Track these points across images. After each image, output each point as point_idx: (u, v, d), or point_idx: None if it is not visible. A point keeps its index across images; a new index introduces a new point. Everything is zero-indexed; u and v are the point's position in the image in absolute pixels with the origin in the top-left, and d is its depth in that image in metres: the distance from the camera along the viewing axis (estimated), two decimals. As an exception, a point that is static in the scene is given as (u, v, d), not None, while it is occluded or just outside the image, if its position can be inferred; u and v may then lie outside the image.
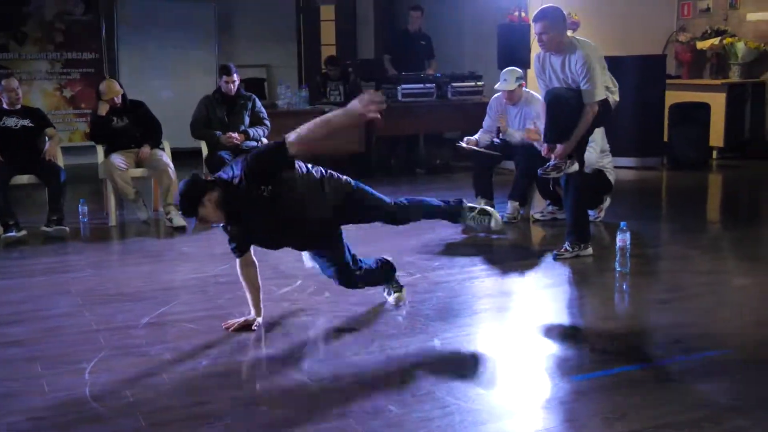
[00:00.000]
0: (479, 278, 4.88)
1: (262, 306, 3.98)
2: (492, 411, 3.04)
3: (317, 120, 3.79)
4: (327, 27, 12.34)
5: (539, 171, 5.18)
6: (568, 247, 5.19)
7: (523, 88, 6.47)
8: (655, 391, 3.19)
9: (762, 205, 7.73)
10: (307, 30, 11.75)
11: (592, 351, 3.65)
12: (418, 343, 3.73)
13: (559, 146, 4.98)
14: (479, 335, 3.95)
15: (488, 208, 4.45)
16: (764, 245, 5.94)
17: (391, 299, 4.31)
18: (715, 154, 9.36)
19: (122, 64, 9.55)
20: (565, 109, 4.92)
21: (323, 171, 4.06)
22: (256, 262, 3.94)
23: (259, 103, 7.09)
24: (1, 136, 6.18)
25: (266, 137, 7.03)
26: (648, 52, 9.39)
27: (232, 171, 3.71)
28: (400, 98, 8.84)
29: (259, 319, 3.95)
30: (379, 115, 3.69)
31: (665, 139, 9.11)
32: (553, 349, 3.74)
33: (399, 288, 4.33)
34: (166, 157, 6.52)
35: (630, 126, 8.62)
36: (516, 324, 4.13)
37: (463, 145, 6.59)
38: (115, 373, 3.43)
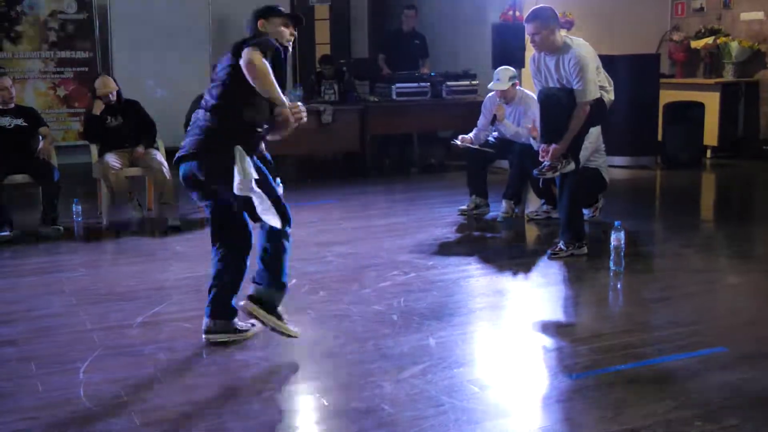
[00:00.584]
0: (474, 277, 4.89)
1: None
2: (487, 410, 3.04)
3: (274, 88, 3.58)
4: (321, 26, 12.34)
5: (535, 171, 5.19)
6: (562, 246, 5.20)
7: (517, 87, 6.47)
8: (649, 389, 3.20)
9: (755, 204, 7.75)
10: (301, 29, 11.72)
11: (587, 349, 3.66)
12: (412, 342, 3.73)
13: (552, 146, 4.99)
14: (474, 334, 3.95)
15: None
16: (758, 243, 5.96)
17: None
18: (709, 153, 9.38)
19: (116, 63, 9.53)
20: (558, 109, 4.93)
21: None
22: None
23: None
24: (-6, 136, 6.16)
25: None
26: (642, 51, 9.41)
27: None
28: (394, 97, 8.84)
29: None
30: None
31: (659, 138, 9.12)
32: (548, 347, 3.75)
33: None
34: (161, 157, 6.51)
35: (624, 125, 8.62)
36: (511, 323, 4.13)
37: (458, 143, 6.59)
38: (109, 372, 3.42)
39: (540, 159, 5.16)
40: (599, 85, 4.99)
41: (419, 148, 9.96)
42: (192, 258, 5.37)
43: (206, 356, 3.60)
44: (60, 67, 9.58)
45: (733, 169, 8.97)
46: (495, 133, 6.57)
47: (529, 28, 4.95)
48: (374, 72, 9.88)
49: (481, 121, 6.66)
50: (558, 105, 4.91)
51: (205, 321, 3.77)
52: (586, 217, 5.77)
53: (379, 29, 11.95)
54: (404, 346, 3.67)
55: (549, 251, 5.22)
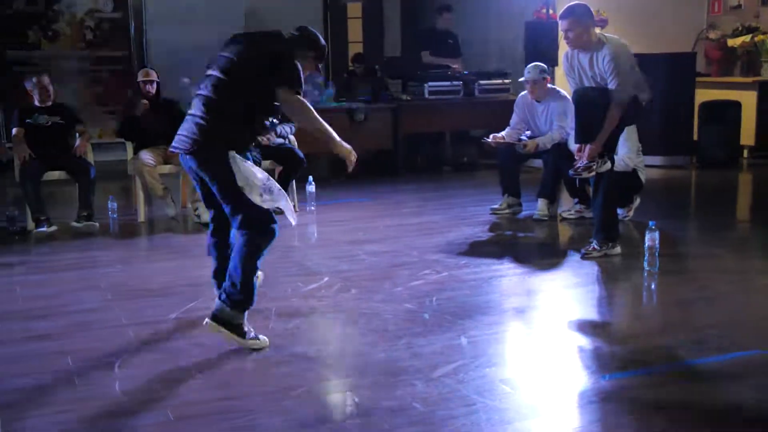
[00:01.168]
0: (506, 276, 4.87)
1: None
2: (519, 410, 3.03)
3: (319, 122, 3.85)
4: (354, 24, 12.35)
5: (570, 171, 5.15)
6: (596, 246, 5.16)
7: (548, 84, 6.44)
8: (682, 390, 3.17)
9: (793, 205, 7.63)
10: (334, 28, 11.77)
11: (621, 350, 3.63)
12: (444, 341, 3.73)
13: (587, 146, 4.95)
14: (506, 334, 3.94)
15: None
16: (795, 245, 5.87)
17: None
18: (745, 152, 9.25)
19: (151, 61, 9.62)
20: (593, 109, 4.89)
21: None
22: None
23: (286, 101, 7.10)
24: (32, 133, 6.26)
25: (293, 134, 7.05)
26: (677, 49, 9.29)
27: None
28: (426, 96, 8.83)
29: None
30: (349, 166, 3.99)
31: (695, 137, 9.02)
32: (580, 348, 3.72)
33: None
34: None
35: (659, 124, 8.55)
36: (543, 322, 4.11)
37: (490, 141, 6.57)
38: (144, 367, 3.46)
39: (576, 158, 5.12)
40: (634, 84, 4.93)
41: (451, 147, 9.94)
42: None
43: (239, 352, 3.62)
44: (96, 66, 9.71)
45: (770, 170, 8.85)
46: (528, 132, 6.54)
47: (563, 25, 4.91)
48: (407, 70, 9.87)
49: (514, 119, 6.63)
50: (593, 105, 4.87)
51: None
52: (619, 217, 5.71)
53: (412, 28, 11.93)
54: (436, 345, 3.67)
55: (582, 251, 5.19)
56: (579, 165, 5.03)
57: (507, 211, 6.54)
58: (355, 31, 12.37)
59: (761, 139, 9.15)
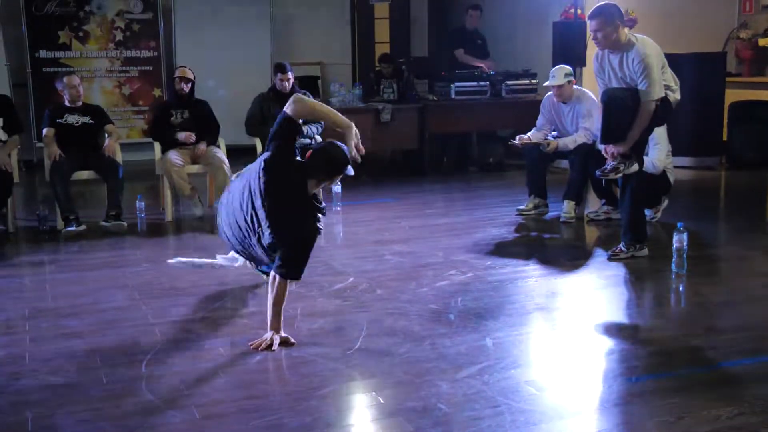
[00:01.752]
0: (532, 278, 4.85)
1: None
2: (544, 412, 3.02)
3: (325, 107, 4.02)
4: (381, 25, 12.37)
5: (597, 172, 5.11)
6: (623, 248, 5.12)
7: (574, 86, 6.40)
8: (711, 394, 3.13)
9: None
10: (362, 28, 11.79)
11: (648, 352, 3.60)
12: (469, 341, 3.72)
13: (616, 147, 4.91)
14: (531, 335, 3.93)
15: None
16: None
17: None
18: (776, 153, 9.13)
19: (179, 62, 9.69)
20: (622, 109, 4.85)
21: None
22: None
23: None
24: (62, 133, 6.33)
25: (320, 134, 7.07)
26: (708, 49, 9.19)
27: None
28: (453, 96, 8.82)
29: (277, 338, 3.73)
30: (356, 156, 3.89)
31: (724, 138, 8.92)
32: (607, 350, 3.70)
33: None
34: (222, 154, 6.60)
35: (688, 125, 8.46)
36: (569, 324, 4.08)
37: (516, 143, 6.55)
38: (171, 366, 3.49)
39: (608, 159, 5.08)
40: (665, 84, 4.88)
41: (478, 147, 9.91)
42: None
43: (265, 352, 3.64)
44: (126, 66, 9.81)
45: (801, 171, 8.72)
46: (554, 133, 6.51)
47: (591, 25, 4.86)
48: (434, 70, 9.86)
49: (540, 120, 6.60)
50: (623, 106, 4.82)
51: None
52: (647, 219, 5.66)
53: (439, 28, 11.93)
54: (461, 346, 3.66)
55: (609, 252, 5.15)
56: (606, 166, 4.99)
57: (533, 212, 6.52)
58: (382, 31, 12.39)
59: (792, 140, 9.03)
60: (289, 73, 6.94)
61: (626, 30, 4.91)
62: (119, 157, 6.48)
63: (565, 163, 6.83)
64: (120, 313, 4.24)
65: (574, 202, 6.33)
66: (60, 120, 6.37)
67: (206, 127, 6.72)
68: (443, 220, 6.48)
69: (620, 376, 3.35)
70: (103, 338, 3.87)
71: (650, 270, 4.98)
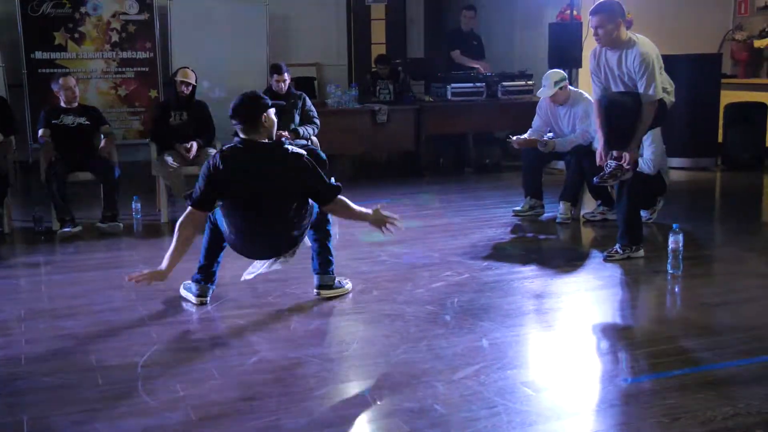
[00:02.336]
0: (528, 278, 4.85)
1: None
2: (540, 413, 3.02)
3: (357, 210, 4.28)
4: (377, 26, 12.37)
5: (595, 179, 5.11)
6: (618, 249, 5.13)
7: (569, 88, 6.42)
8: (707, 395, 3.14)
9: (820, 208, 7.55)
10: (358, 29, 11.78)
11: (644, 353, 3.60)
12: (466, 342, 3.72)
13: (626, 154, 4.87)
14: (528, 336, 3.93)
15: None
16: (822, 248, 5.80)
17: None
18: (771, 155, 9.16)
19: (175, 63, 9.67)
20: (624, 115, 4.81)
21: None
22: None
23: (309, 102, 7.14)
24: (58, 134, 6.32)
25: (315, 136, 7.07)
26: (703, 50, 9.22)
27: None
28: (449, 97, 8.83)
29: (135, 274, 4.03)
30: (390, 230, 4.24)
31: (720, 139, 8.94)
32: (603, 351, 3.71)
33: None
34: (217, 155, 6.60)
35: (683, 126, 8.48)
36: (565, 325, 4.09)
37: (514, 140, 6.55)
38: (167, 367, 3.49)
39: (598, 163, 5.07)
40: (661, 87, 4.87)
41: (474, 149, 9.91)
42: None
43: (261, 353, 3.64)
44: (121, 67, 9.78)
45: (797, 172, 8.75)
46: (551, 134, 6.52)
47: (593, 21, 4.80)
48: (430, 72, 9.86)
49: (536, 122, 6.61)
50: (624, 111, 4.78)
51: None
52: (643, 220, 5.67)
53: (435, 29, 11.93)
54: (457, 347, 3.66)
55: (605, 253, 5.16)
56: (604, 173, 4.98)
57: (529, 213, 6.53)
58: (378, 32, 12.39)
59: (787, 142, 9.06)
60: (285, 74, 6.94)
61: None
62: (115, 158, 6.47)
63: (561, 164, 6.83)
64: (116, 315, 4.24)
65: (570, 203, 6.34)
66: (56, 121, 6.36)
67: (204, 128, 6.71)
68: (439, 221, 6.48)
69: (616, 376, 3.35)
70: (99, 339, 3.86)
71: (646, 271, 4.99)
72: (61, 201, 6.10)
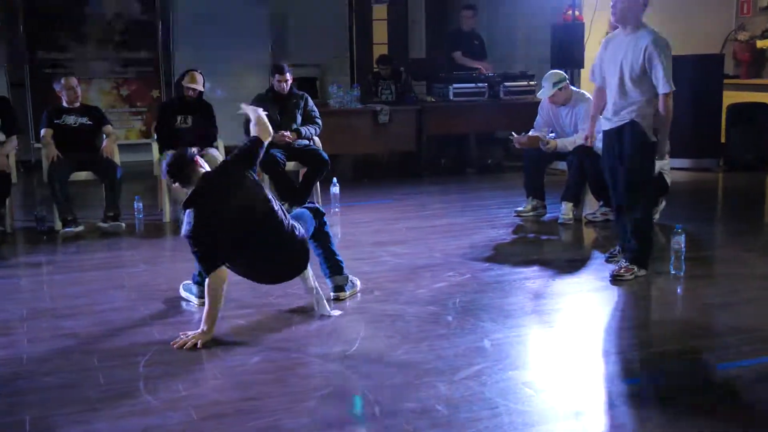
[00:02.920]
0: (530, 279, 4.85)
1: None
2: (542, 413, 3.02)
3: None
4: (379, 26, 12.37)
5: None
6: (625, 266, 4.93)
7: (571, 88, 6.41)
8: (709, 396, 3.14)
9: (823, 209, 7.54)
10: (360, 29, 11.79)
11: (644, 354, 3.60)
12: (467, 343, 3.72)
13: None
14: (529, 336, 3.93)
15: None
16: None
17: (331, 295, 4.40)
18: (773, 155, 9.14)
19: (177, 63, 9.69)
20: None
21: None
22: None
23: (311, 102, 7.14)
24: (60, 134, 6.32)
25: (317, 136, 7.07)
26: (705, 51, 9.19)
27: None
28: (451, 97, 8.82)
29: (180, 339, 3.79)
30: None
31: (722, 140, 8.93)
32: (604, 351, 3.70)
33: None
34: (218, 154, 6.60)
35: (686, 127, 8.44)
36: (567, 326, 4.09)
37: (517, 137, 6.54)
38: (168, 367, 3.49)
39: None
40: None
41: (476, 149, 9.92)
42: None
43: (262, 353, 3.64)
44: (123, 67, 9.80)
45: (799, 173, 8.74)
46: (552, 134, 6.51)
47: None
48: (432, 72, 9.86)
49: (538, 122, 6.61)
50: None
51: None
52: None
53: (437, 30, 11.93)
54: (459, 348, 3.66)
55: (611, 272, 4.81)
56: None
57: (531, 213, 6.52)
58: (380, 32, 12.39)
59: (790, 142, 9.04)
60: (287, 74, 6.94)
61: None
62: (117, 158, 6.47)
63: (563, 165, 6.83)
64: (118, 314, 4.24)
65: (572, 204, 6.33)
66: (58, 121, 6.36)
67: (206, 129, 6.70)
68: (441, 222, 6.48)
69: (617, 377, 3.35)
70: (101, 339, 3.87)
71: (648, 271, 4.97)
72: (63, 200, 6.11)
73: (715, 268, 5.26)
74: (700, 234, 5.90)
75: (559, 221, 6.29)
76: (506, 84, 8.97)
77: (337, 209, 6.79)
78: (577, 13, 8.63)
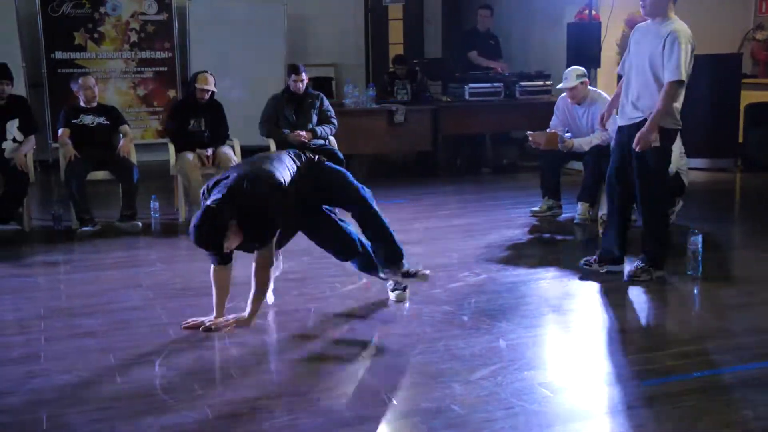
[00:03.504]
0: (545, 279, 4.83)
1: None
2: (558, 414, 3.01)
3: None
4: (395, 26, 12.37)
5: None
6: (642, 267, 4.90)
7: (588, 87, 6.38)
8: (727, 398, 3.12)
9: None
10: (375, 29, 11.79)
11: (662, 355, 3.58)
12: (483, 343, 3.71)
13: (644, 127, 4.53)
14: (545, 337, 3.91)
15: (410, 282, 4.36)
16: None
17: (392, 296, 4.37)
18: (792, 155, 9.06)
19: (193, 62, 9.72)
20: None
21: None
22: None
23: (326, 102, 7.14)
24: (77, 133, 6.36)
25: (333, 135, 7.07)
26: (723, 50, 9.14)
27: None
28: (467, 97, 8.81)
29: (221, 319, 3.93)
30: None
31: (740, 140, 8.87)
32: (620, 352, 3.68)
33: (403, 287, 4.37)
34: (230, 152, 6.61)
35: (703, 126, 8.41)
36: (583, 326, 4.07)
37: (533, 133, 6.51)
38: (184, 365, 3.50)
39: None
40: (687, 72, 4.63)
41: (491, 149, 9.89)
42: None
43: (278, 353, 3.65)
44: (140, 67, 9.84)
45: (818, 173, 8.66)
46: (568, 134, 6.48)
47: None
48: (448, 72, 9.85)
49: (554, 121, 6.59)
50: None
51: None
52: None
53: (452, 29, 11.92)
54: (475, 348, 3.65)
55: (628, 274, 4.81)
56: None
57: (547, 213, 6.50)
58: (396, 32, 12.39)
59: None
60: (303, 74, 6.95)
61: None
62: (134, 158, 6.49)
63: (579, 165, 6.80)
64: (134, 313, 4.26)
65: (588, 204, 6.30)
66: (75, 120, 6.40)
67: (218, 129, 6.71)
68: (457, 222, 6.47)
69: (634, 378, 3.33)
70: (117, 338, 3.88)
71: (664, 272, 4.94)
72: (80, 200, 6.14)
73: (732, 269, 5.23)
74: (717, 234, 5.86)
75: (575, 221, 6.27)
76: (522, 84, 8.95)
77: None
78: (594, 12, 8.59)
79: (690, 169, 6.41)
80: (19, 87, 8.68)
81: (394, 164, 10.07)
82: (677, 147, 5.90)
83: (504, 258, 5.28)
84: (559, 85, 6.40)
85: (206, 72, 6.75)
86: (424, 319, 4.06)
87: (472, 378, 3.31)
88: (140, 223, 6.22)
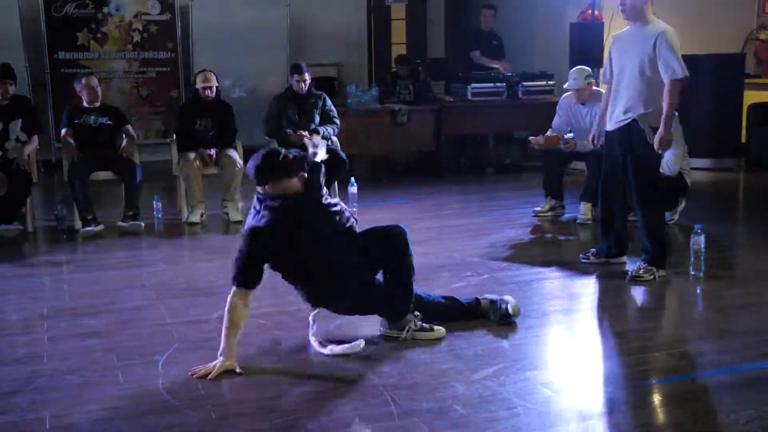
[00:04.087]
0: (548, 279, 4.83)
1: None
2: (561, 414, 3.01)
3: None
4: (398, 26, 12.37)
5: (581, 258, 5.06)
6: (644, 267, 4.92)
7: (593, 87, 6.38)
8: (730, 397, 3.11)
9: None
10: (378, 29, 11.79)
11: (664, 355, 3.58)
12: (486, 343, 3.71)
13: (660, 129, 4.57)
14: (548, 337, 3.91)
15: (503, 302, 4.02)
16: None
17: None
18: (795, 155, 9.05)
19: (196, 63, 9.72)
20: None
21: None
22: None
23: (329, 102, 7.15)
24: (81, 133, 6.37)
25: (336, 135, 7.08)
26: (726, 50, 9.12)
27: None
28: (469, 97, 8.81)
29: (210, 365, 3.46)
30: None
31: (743, 140, 8.86)
32: (623, 352, 3.68)
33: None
34: (236, 155, 6.61)
35: (707, 126, 8.40)
36: (585, 326, 4.07)
37: (536, 138, 6.51)
38: (187, 365, 3.50)
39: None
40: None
41: (494, 149, 9.89)
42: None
43: (281, 353, 3.65)
44: (143, 67, 9.85)
45: (821, 173, 8.65)
46: (571, 134, 6.48)
47: None
48: (450, 72, 9.85)
49: (556, 121, 6.58)
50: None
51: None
52: (665, 220, 5.61)
53: (456, 29, 11.92)
54: (477, 348, 3.66)
55: (630, 274, 4.81)
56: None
57: (550, 213, 6.50)
58: (398, 32, 12.39)
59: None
60: (306, 74, 6.95)
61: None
62: (137, 158, 6.50)
63: (581, 165, 6.80)
64: (137, 313, 4.26)
65: (590, 204, 6.30)
66: (78, 120, 6.40)
67: (225, 130, 6.71)
68: (460, 222, 6.47)
69: (637, 378, 3.33)
70: (121, 338, 3.89)
71: (667, 272, 4.94)
72: (83, 200, 6.15)
73: (735, 268, 5.22)
74: (720, 234, 5.85)
75: (577, 221, 6.27)
76: (525, 84, 8.95)
77: (354, 209, 6.79)
78: (596, 12, 8.59)
79: (693, 169, 6.41)
80: (22, 87, 8.69)
81: (397, 164, 10.07)
82: (680, 147, 5.91)
83: (507, 258, 5.28)
84: (566, 86, 6.39)
85: (205, 70, 6.77)
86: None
87: (475, 378, 3.31)
88: (143, 223, 6.23)
